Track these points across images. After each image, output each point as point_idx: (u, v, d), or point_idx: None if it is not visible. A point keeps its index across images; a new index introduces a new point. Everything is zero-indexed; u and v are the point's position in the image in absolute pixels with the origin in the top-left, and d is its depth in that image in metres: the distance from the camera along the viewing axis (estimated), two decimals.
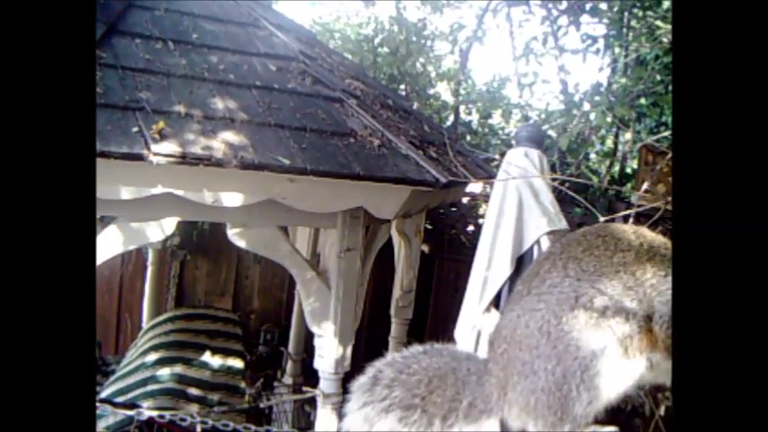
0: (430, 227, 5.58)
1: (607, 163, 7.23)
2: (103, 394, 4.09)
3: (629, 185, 6.31)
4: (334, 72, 3.60)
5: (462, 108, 7.44)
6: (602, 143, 7.56)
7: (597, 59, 6.88)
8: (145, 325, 4.94)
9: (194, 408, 3.97)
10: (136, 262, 5.65)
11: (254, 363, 4.74)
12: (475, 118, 7.58)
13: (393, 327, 4.42)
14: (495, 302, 2.72)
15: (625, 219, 4.14)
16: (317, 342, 3.13)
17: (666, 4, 5.24)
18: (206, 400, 4.15)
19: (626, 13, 6.03)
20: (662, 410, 2.66)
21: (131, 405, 3.69)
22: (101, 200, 2.34)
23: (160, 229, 2.81)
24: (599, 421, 1.86)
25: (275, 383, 4.75)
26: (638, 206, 3.25)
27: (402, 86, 7.23)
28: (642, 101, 6.70)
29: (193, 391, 4.17)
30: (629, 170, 7.13)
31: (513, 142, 2.99)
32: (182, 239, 5.50)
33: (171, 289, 5.70)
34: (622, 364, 1.80)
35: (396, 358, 2.08)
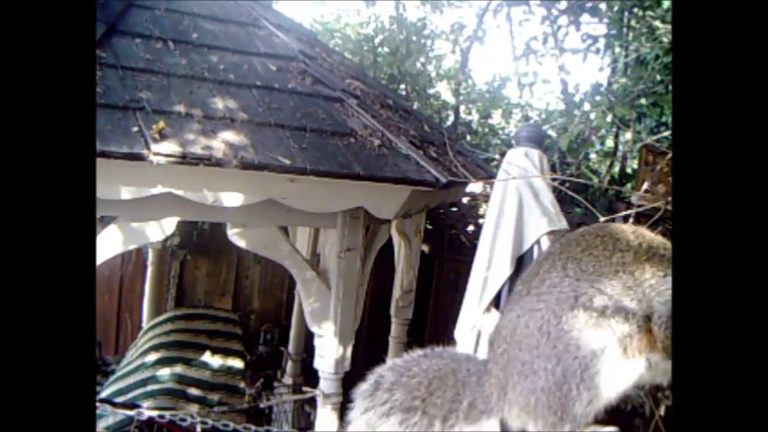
0: (430, 227, 5.58)
1: (607, 163, 7.23)
2: (103, 394, 4.09)
3: (629, 185, 6.31)
4: (334, 72, 3.60)
5: (462, 108, 7.44)
6: (603, 143, 7.56)
7: (597, 59, 6.88)
8: (145, 325, 4.94)
9: (194, 408, 3.97)
10: (136, 262, 5.65)
11: (254, 363, 4.74)
12: (475, 118, 7.58)
13: (393, 327, 4.42)
14: (495, 302, 2.72)
15: (625, 219, 4.14)
16: (317, 342, 3.13)
17: (666, 4, 5.23)
18: (206, 400, 4.16)
19: (626, 13, 6.03)
20: (662, 410, 2.66)
21: (131, 405, 3.69)
22: (101, 200, 2.34)
23: (160, 229, 2.81)
24: (599, 421, 1.87)
25: (275, 383, 4.75)
26: (639, 206, 3.25)
27: (402, 86, 7.23)
28: (642, 101, 6.69)
29: (193, 391, 4.17)
30: (629, 170, 7.13)
31: (514, 142, 2.99)
32: (182, 239, 5.50)
33: (171, 289, 5.70)
34: (622, 363, 1.80)
35: (396, 363, 2.09)
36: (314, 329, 3.12)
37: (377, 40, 7.33)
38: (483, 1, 7.13)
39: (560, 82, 6.76)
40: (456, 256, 5.49)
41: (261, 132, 2.63)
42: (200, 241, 5.67)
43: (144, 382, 4.14)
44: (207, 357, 4.36)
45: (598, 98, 4.97)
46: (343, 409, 2.08)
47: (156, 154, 2.28)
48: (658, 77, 5.41)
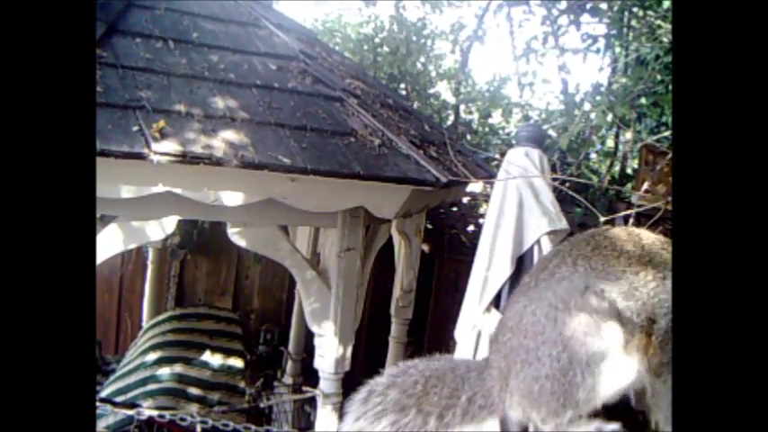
0: (430, 227, 5.58)
1: (607, 163, 7.23)
2: (103, 394, 4.08)
3: (629, 185, 6.31)
4: (334, 71, 3.60)
5: (462, 107, 7.44)
6: (603, 143, 7.56)
7: (597, 59, 6.88)
8: (145, 324, 4.94)
9: (194, 407, 3.97)
10: (136, 261, 5.65)
11: (254, 362, 4.73)
12: (475, 117, 7.58)
13: (393, 327, 4.42)
14: (496, 302, 2.72)
15: (625, 219, 4.14)
16: (317, 342, 3.13)
17: (667, 4, 5.23)
18: (206, 400, 4.15)
19: (626, 13, 6.02)
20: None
21: (131, 404, 3.69)
22: (101, 199, 2.34)
23: (160, 228, 2.81)
24: (602, 417, 1.87)
25: (275, 383, 4.75)
26: (639, 206, 3.25)
27: (402, 86, 7.23)
28: (642, 101, 6.69)
29: (193, 390, 4.17)
30: (629, 170, 7.13)
31: (514, 142, 2.99)
32: (182, 239, 5.50)
33: (171, 288, 5.70)
34: (627, 354, 1.81)
35: (391, 369, 2.07)
36: (314, 329, 3.11)
37: (377, 40, 7.32)
38: (483, 1, 7.13)
39: (560, 82, 6.77)
40: (456, 255, 5.49)
41: (261, 132, 2.63)
42: (201, 240, 5.67)
43: (144, 382, 4.13)
44: (207, 357, 4.36)
45: (598, 98, 4.97)
46: (343, 410, 2.07)
47: (156, 153, 2.28)
48: (659, 77, 5.40)
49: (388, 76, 7.05)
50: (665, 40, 4.38)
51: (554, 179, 3.01)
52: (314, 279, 3.09)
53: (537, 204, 2.70)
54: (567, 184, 4.30)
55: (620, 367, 1.79)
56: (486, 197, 5.40)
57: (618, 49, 6.94)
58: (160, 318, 4.73)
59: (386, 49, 7.20)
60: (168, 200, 2.57)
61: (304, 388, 3.98)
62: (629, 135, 6.79)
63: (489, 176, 3.82)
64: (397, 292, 4.33)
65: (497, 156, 6.00)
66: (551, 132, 5.93)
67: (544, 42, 6.44)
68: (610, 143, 7.46)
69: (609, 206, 5.09)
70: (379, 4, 7.92)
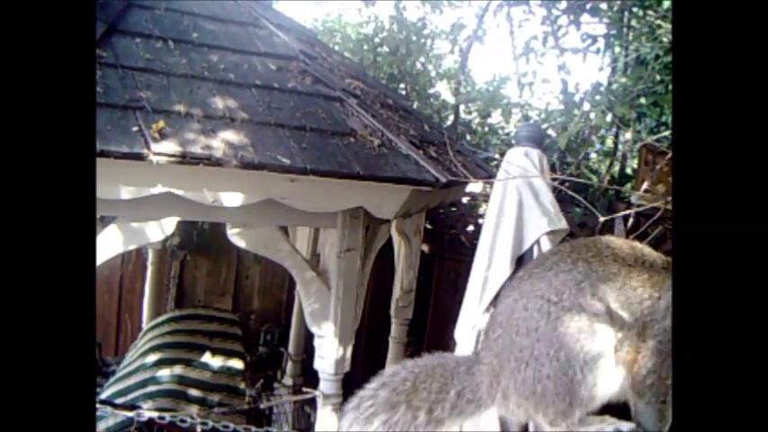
0: (430, 227, 5.58)
1: (607, 163, 7.23)
2: (103, 395, 4.08)
3: (629, 185, 6.31)
4: (334, 71, 3.60)
5: (462, 107, 7.44)
6: (602, 143, 7.56)
7: (597, 59, 6.88)
8: (145, 325, 4.94)
9: (194, 409, 3.96)
10: (136, 262, 5.64)
11: (254, 363, 4.73)
12: (475, 117, 7.58)
13: (393, 327, 4.42)
14: (496, 302, 2.71)
15: (625, 218, 4.15)
16: (317, 342, 3.13)
17: (666, 4, 5.23)
18: (206, 401, 4.15)
19: (626, 13, 6.02)
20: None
21: (131, 406, 3.69)
22: (101, 200, 2.34)
23: (160, 229, 2.81)
24: (615, 414, 1.87)
25: (275, 384, 4.75)
26: (638, 206, 3.25)
27: (402, 86, 7.22)
28: (642, 100, 6.69)
29: (193, 392, 4.16)
30: (629, 170, 7.13)
31: (513, 142, 2.98)
32: (182, 239, 5.50)
33: (171, 289, 5.70)
34: (615, 361, 1.81)
35: (382, 372, 2.08)
36: (314, 330, 3.11)
37: (377, 40, 7.32)
38: (483, 0, 7.13)
39: (560, 81, 6.77)
40: (456, 255, 5.49)
41: (261, 132, 2.63)
42: (200, 241, 5.66)
43: (144, 383, 4.13)
44: (207, 358, 4.35)
45: (598, 98, 4.96)
46: (342, 411, 2.07)
47: (155, 153, 2.28)
48: (658, 77, 5.40)
49: (387, 76, 7.05)
50: (665, 39, 4.38)
51: (554, 179, 3.01)
52: (314, 279, 3.09)
53: (536, 204, 2.70)
54: (567, 184, 4.30)
55: (611, 369, 1.79)
56: (486, 197, 5.40)
57: (618, 49, 6.94)
58: (160, 319, 4.72)
59: (386, 49, 7.20)
60: (168, 201, 2.56)
61: (304, 389, 3.98)
62: (628, 135, 6.79)
63: (489, 176, 3.81)
64: (396, 292, 4.33)
65: (497, 156, 6.01)
66: (551, 132, 5.93)
67: (544, 42, 6.44)
68: (609, 143, 7.46)
69: (608, 206, 5.08)
70: (379, 3, 7.93)
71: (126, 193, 2.45)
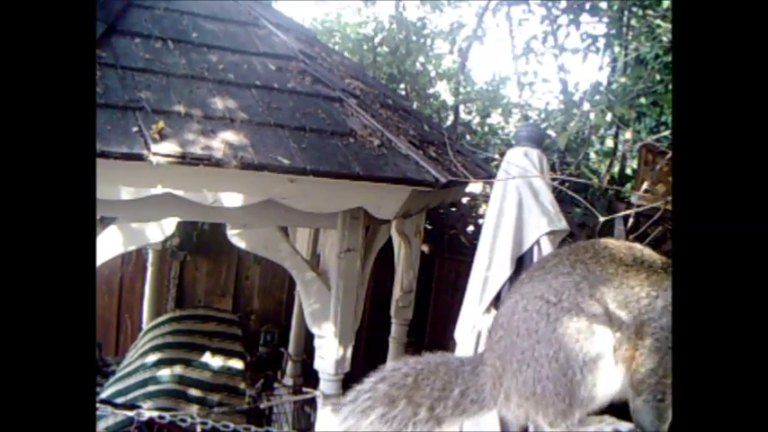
0: (430, 227, 5.58)
1: (607, 163, 7.23)
2: (103, 395, 4.08)
3: (628, 185, 6.31)
4: (333, 71, 3.60)
5: (462, 107, 7.44)
6: (602, 143, 7.56)
7: (597, 58, 6.87)
8: (145, 326, 4.94)
9: (194, 408, 3.97)
10: (136, 262, 5.65)
11: (255, 363, 4.73)
12: (475, 117, 7.58)
13: (393, 327, 4.42)
14: (496, 303, 2.71)
15: (625, 219, 4.15)
16: (317, 343, 3.13)
17: (666, 4, 5.23)
18: (206, 401, 4.15)
19: (626, 12, 6.02)
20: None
21: (131, 406, 3.69)
22: (101, 200, 2.34)
23: (160, 230, 2.81)
24: (616, 414, 1.87)
25: (275, 384, 4.75)
26: (638, 206, 3.25)
27: (402, 86, 7.22)
28: (642, 100, 6.69)
29: (193, 391, 4.17)
30: (628, 170, 7.12)
31: (513, 142, 2.98)
32: (182, 240, 5.50)
33: (171, 289, 5.70)
34: (614, 360, 1.81)
35: (382, 367, 2.07)
36: (314, 330, 3.11)
37: (376, 40, 7.32)
38: (483, 0, 7.12)
39: (560, 81, 6.76)
40: (456, 256, 5.49)
41: (260, 132, 2.63)
42: (200, 242, 5.66)
43: (144, 383, 4.13)
44: (207, 358, 4.35)
45: (597, 97, 4.97)
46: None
47: (155, 154, 2.28)
48: (658, 77, 5.41)
49: (387, 76, 7.05)
50: (665, 39, 4.38)
51: (553, 179, 3.01)
52: (314, 280, 3.09)
53: (536, 204, 2.70)
54: (567, 184, 4.29)
55: (610, 368, 1.79)
56: (486, 197, 5.40)
57: (617, 49, 6.93)
58: (160, 319, 4.73)
59: (385, 49, 7.20)
60: (168, 201, 2.56)
61: (304, 389, 3.98)
62: (628, 135, 6.79)
63: (489, 176, 3.82)
64: (396, 292, 4.33)
65: (497, 156, 6.00)
66: (551, 132, 5.93)
67: (544, 42, 6.44)
68: (609, 143, 7.46)
69: (608, 206, 5.08)
70: (379, 3, 7.93)
71: (126, 193, 2.45)
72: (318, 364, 3.12)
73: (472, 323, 2.74)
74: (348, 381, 3.00)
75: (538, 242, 2.68)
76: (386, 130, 2.99)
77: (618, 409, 1.89)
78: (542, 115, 6.70)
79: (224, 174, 2.46)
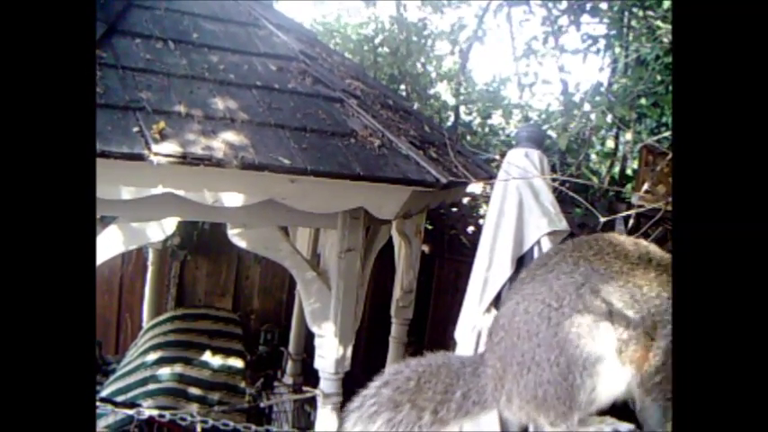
0: (430, 227, 5.58)
1: (607, 163, 7.23)
2: (104, 393, 4.09)
3: (629, 186, 6.30)
4: (334, 72, 3.60)
5: (462, 108, 7.44)
6: (603, 144, 7.56)
7: (597, 59, 6.87)
8: (145, 325, 4.94)
9: (194, 407, 3.97)
10: (136, 262, 5.65)
11: (255, 362, 4.74)
12: (475, 118, 7.58)
13: (393, 327, 4.42)
14: (496, 303, 2.72)
15: (625, 219, 4.15)
16: (317, 342, 3.13)
17: (667, 4, 5.23)
18: (206, 400, 4.15)
19: (626, 13, 6.02)
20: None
21: (131, 404, 3.69)
22: (101, 200, 2.34)
23: (160, 230, 2.81)
24: (616, 415, 1.86)
25: (275, 383, 4.75)
26: (639, 207, 3.25)
27: (402, 86, 7.22)
28: (643, 101, 6.69)
29: (193, 390, 4.17)
30: (629, 171, 7.12)
31: (514, 143, 2.99)
32: (182, 239, 5.50)
33: (171, 289, 5.70)
34: (620, 361, 1.81)
35: (385, 371, 2.07)
36: (314, 329, 3.11)
37: (377, 41, 7.32)
38: (483, 1, 7.12)
39: (560, 82, 6.76)
40: (456, 256, 5.49)
41: (261, 132, 2.64)
42: (201, 241, 5.67)
43: (144, 382, 4.14)
44: (207, 357, 4.36)
45: (598, 98, 4.96)
46: (343, 410, 2.07)
47: (156, 154, 2.28)
48: (659, 78, 5.40)
49: (388, 76, 7.05)
50: (665, 40, 4.38)
51: (554, 180, 3.01)
52: (314, 280, 3.09)
53: (537, 205, 2.70)
54: (567, 185, 4.29)
55: (614, 370, 1.79)
56: (487, 198, 5.40)
57: (618, 50, 6.93)
58: (160, 318, 4.73)
59: (386, 49, 7.20)
60: (168, 201, 2.57)
61: (304, 388, 3.98)
62: (629, 136, 6.79)
63: (489, 177, 3.82)
64: (397, 292, 4.33)
65: (497, 156, 6.00)
66: (551, 133, 5.94)
67: (544, 43, 6.44)
68: (610, 144, 7.46)
69: (609, 207, 5.08)
70: (380, 4, 7.92)
71: (126, 193, 2.46)
72: (318, 363, 3.13)
73: (472, 323, 2.74)
74: (348, 380, 3.01)
75: (538, 242, 2.69)
76: (386, 131, 3.00)
77: (618, 409, 1.89)
78: (543, 116, 6.70)
79: (224, 174, 2.47)
